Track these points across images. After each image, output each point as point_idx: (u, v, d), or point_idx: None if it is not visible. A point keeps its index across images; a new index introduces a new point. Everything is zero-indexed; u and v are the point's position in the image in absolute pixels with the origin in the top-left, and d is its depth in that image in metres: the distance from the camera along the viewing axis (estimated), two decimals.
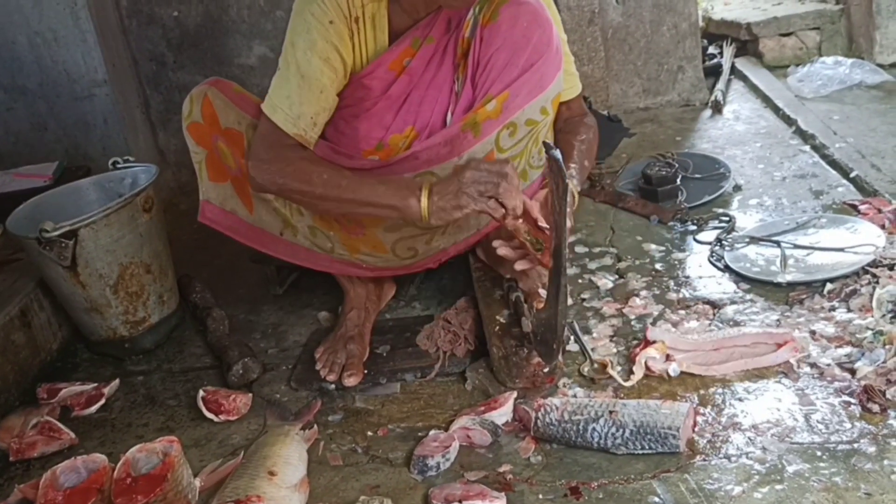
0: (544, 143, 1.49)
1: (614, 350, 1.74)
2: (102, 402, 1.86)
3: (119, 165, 2.23)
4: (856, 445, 1.37)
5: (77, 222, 1.90)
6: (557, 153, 1.45)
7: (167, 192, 3.04)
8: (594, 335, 1.80)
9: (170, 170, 3.20)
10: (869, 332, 1.63)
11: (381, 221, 1.80)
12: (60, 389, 1.88)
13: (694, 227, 2.22)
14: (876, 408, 1.44)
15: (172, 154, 3.25)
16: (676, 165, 2.49)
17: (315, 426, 1.64)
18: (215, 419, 1.72)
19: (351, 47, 1.73)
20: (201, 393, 1.76)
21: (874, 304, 1.70)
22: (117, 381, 1.93)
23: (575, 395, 1.61)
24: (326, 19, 1.68)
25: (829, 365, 1.58)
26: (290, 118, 1.69)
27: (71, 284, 1.96)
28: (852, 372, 1.54)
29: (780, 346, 1.62)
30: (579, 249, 2.19)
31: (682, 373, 1.62)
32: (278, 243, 1.91)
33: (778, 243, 2.01)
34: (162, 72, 3.19)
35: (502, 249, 1.68)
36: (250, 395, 1.78)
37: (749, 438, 1.43)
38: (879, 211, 2.08)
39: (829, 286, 1.81)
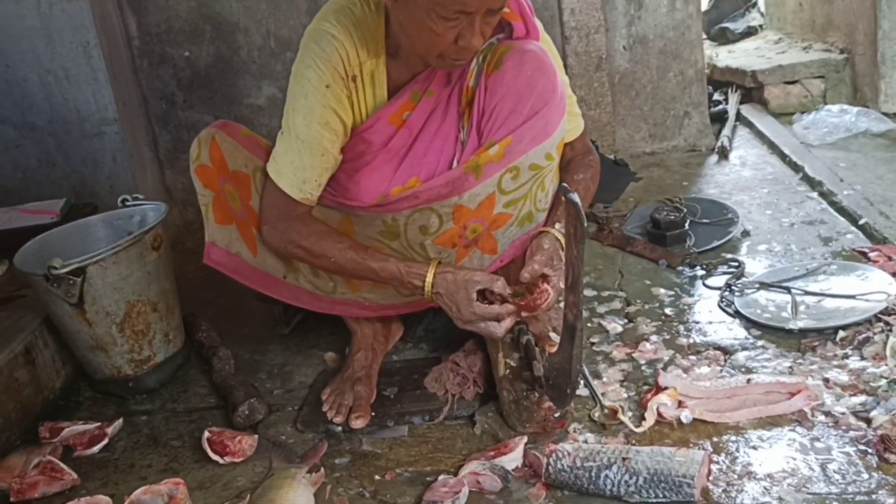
0: (561, 187, 1.49)
1: (625, 395, 1.72)
2: (105, 441, 1.83)
3: (128, 203, 2.23)
4: (874, 496, 1.34)
5: (86, 259, 1.89)
6: (575, 197, 1.45)
7: (173, 230, 3.04)
8: (604, 380, 1.78)
9: (176, 208, 3.20)
10: (884, 381, 1.62)
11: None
12: (63, 429, 1.86)
13: (703, 272, 2.21)
14: (893, 458, 1.42)
15: (179, 192, 3.25)
16: (685, 210, 2.49)
17: (322, 469, 1.61)
18: (220, 461, 1.69)
19: (350, 107, 1.74)
20: (206, 434, 1.73)
21: (888, 352, 1.69)
22: (121, 420, 1.90)
23: (586, 441, 1.58)
24: (323, 84, 1.69)
25: (843, 413, 1.56)
26: (295, 184, 1.73)
27: (77, 322, 1.95)
28: (868, 421, 1.52)
29: (793, 394, 1.60)
30: (588, 293, 2.18)
31: (694, 420, 1.60)
32: (281, 286, 1.92)
33: (788, 289, 2.00)
34: (171, 111, 3.21)
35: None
36: (256, 436, 1.75)
37: (765, 488, 1.40)
38: (889, 259, 2.08)
39: (841, 333, 1.80)
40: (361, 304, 1.91)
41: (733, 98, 3.61)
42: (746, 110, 3.52)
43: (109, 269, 1.92)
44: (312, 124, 1.70)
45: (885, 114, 3.19)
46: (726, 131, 3.31)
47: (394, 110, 1.77)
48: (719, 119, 3.47)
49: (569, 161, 1.89)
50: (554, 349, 1.67)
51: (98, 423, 1.88)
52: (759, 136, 3.27)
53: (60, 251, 1.97)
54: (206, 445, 1.71)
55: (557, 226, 1.74)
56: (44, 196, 2.79)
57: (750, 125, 3.40)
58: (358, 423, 1.73)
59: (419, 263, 1.72)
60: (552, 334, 1.81)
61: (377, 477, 1.59)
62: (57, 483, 1.68)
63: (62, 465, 1.71)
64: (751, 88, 3.63)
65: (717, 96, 3.70)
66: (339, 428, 1.75)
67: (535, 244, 1.73)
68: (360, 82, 1.74)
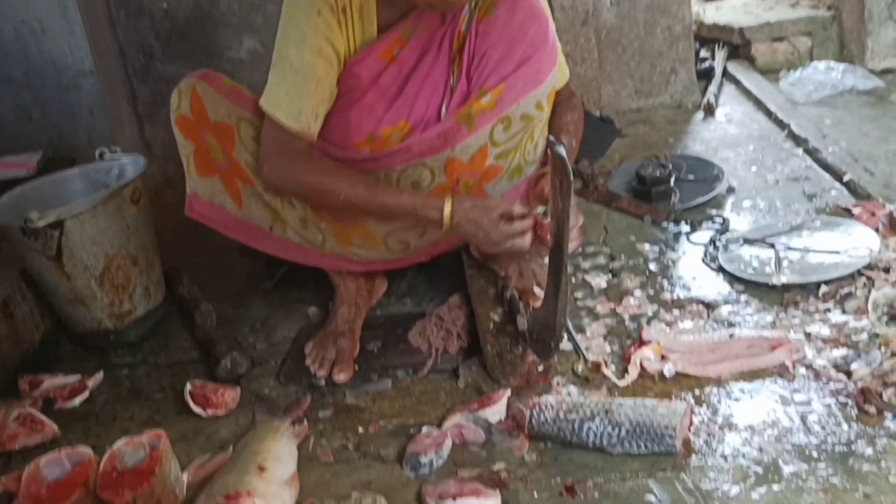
0: (549, 140, 1.47)
1: (608, 349, 1.73)
2: (86, 394, 1.82)
3: (106, 157, 2.19)
4: (853, 447, 1.36)
5: (64, 212, 1.86)
6: (562, 150, 1.43)
7: (153, 184, 2.98)
8: (588, 334, 1.78)
9: (156, 162, 3.14)
10: (865, 335, 1.63)
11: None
12: (43, 381, 1.84)
13: (688, 228, 2.21)
14: (872, 410, 1.43)
15: (159, 146, 3.20)
16: (670, 166, 2.48)
17: (305, 422, 1.61)
18: (203, 413, 1.68)
19: (343, 36, 1.71)
20: (189, 387, 1.72)
21: (870, 306, 1.70)
22: (101, 373, 1.89)
23: (569, 394, 1.59)
24: (314, 11, 1.66)
25: (824, 367, 1.57)
26: (291, 114, 1.68)
27: (55, 275, 1.92)
28: (848, 374, 1.53)
29: (775, 347, 1.61)
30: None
31: (676, 373, 1.61)
32: (268, 239, 1.89)
33: (772, 245, 2.00)
34: (150, 64, 3.14)
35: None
36: (238, 389, 1.75)
37: (745, 439, 1.41)
38: (873, 214, 2.08)
39: (823, 288, 1.81)
40: (350, 258, 1.89)
41: (720, 55, 3.57)
42: (733, 67, 3.49)
43: (87, 222, 1.89)
44: (305, 52, 1.66)
45: (872, 71, 3.17)
46: (713, 88, 3.28)
47: (384, 46, 1.74)
48: (706, 76, 3.43)
49: (554, 104, 1.86)
50: (538, 304, 1.67)
51: (79, 376, 1.87)
52: (746, 93, 3.25)
53: (37, 204, 1.93)
54: (188, 398, 1.70)
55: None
56: (20, 149, 2.72)
57: (736, 82, 3.37)
58: (341, 377, 1.72)
59: (433, 197, 1.69)
60: (536, 289, 1.80)
61: (360, 430, 1.59)
62: (37, 435, 1.67)
63: (42, 417, 1.70)
64: (738, 45, 3.59)
65: (703, 53, 3.66)
66: (322, 382, 1.74)
67: (545, 184, 1.72)
68: (349, 14, 1.70)
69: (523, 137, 1.74)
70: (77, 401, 1.80)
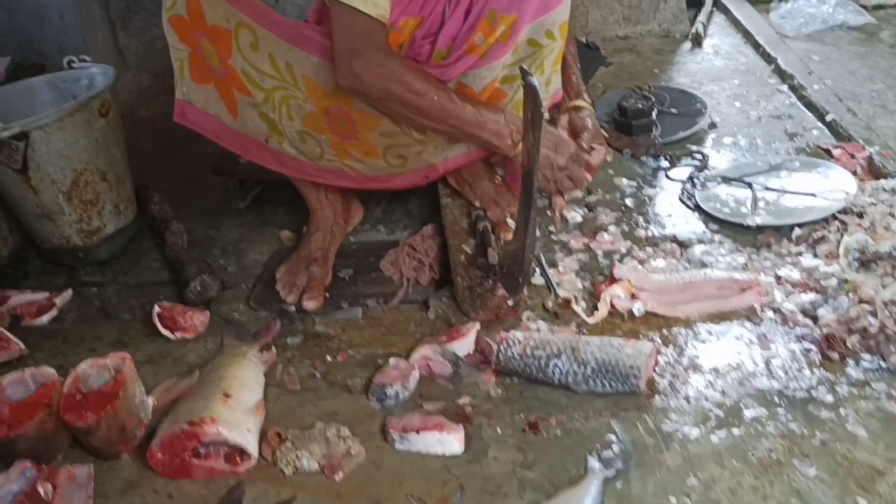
0: (521, 69, 1.43)
1: (580, 286, 1.73)
2: (54, 312, 1.81)
3: (75, 65, 2.12)
4: (813, 393, 1.38)
5: (28, 123, 1.81)
6: (534, 80, 1.40)
7: (126, 97, 2.91)
8: (560, 269, 1.78)
9: (130, 73, 3.06)
10: (834, 280, 1.63)
11: (374, 125, 1.73)
12: (10, 297, 1.83)
13: (667, 164, 2.19)
14: (836, 356, 1.45)
15: (133, 56, 3.10)
16: (653, 99, 2.44)
17: (273, 348, 1.61)
18: (171, 336, 1.68)
19: None
20: (157, 309, 1.71)
21: (841, 251, 1.69)
22: (70, 291, 1.87)
23: (538, 330, 1.59)
24: None
25: (792, 311, 1.58)
26: (369, 0, 1.58)
27: (22, 189, 1.88)
28: (815, 319, 1.55)
29: (745, 289, 1.61)
30: None
31: (646, 312, 1.61)
32: (262, 150, 1.81)
33: (749, 185, 1.99)
34: None
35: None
36: (208, 313, 1.74)
37: (709, 381, 1.43)
38: (852, 157, 2.07)
39: (797, 231, 1.81)
40: (346, 173, 1.82)
41: None
42: None
43: (54, 134, 1.83)
44: None
45: (864, 6, 3.12)
46: (702, 17, 3.22)
47: None
48: (696, 4, 3.36)
49: None
50: (510, 236, 1.66)
51: (47, 294, 1.85)
52: (735, 23, 3.18)
53: (2, 114, 1.88)
54: (156, 320, 1.69)
55: (585, 96, 1.88)
56: None
57: (726, 12, 3.30)
58: (310, 305, 1.72)
59: (516, 116, 1.66)
60: (509, 220, 1.79)
61: (329, 358, 1.59)
62: (3, 353, 1.66)
63: (9, 334, 1.69)
64: None
65: None
66: (293, 308, 1.73)
67: (579, 121, 1.86)
68: None
69: (532, 65, 1.69)
70: (45, 318, 1.79)
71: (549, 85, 1.77)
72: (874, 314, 1.48)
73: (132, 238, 2.07)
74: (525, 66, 1.53)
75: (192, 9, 1.67)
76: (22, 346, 1.68)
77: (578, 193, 1.91)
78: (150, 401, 1.46)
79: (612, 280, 1.69)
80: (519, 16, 1.62)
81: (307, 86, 1.69)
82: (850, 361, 1.44)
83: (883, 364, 1.42)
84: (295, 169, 1.82)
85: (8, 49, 2.68)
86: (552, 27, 1.67)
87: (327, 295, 1.75)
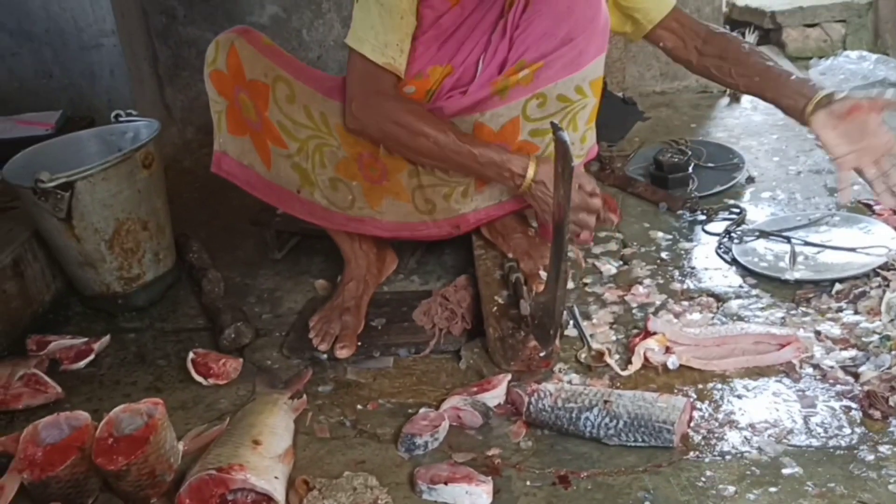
0: (552, 123, 1.44)
1: (613, 338, 1.71)
2: (92, 357, 1.83)
3: (122, 119, 2.19)
4: (855, 452, 1.34)
5: (74, 174, 1.86)
6: (565, 135, 1.41)
7: (171, 149, 2.99)
8: (594, 321, 1.76)
9: (175, 126, 3.15)
10: (876, 337, 1.60)
11: (403, 166, 1.78)
12: (50, 342, 1.86)
13: (703, 218, 2.17)
14: (877, 414, 1.41)
15: (178, 110, 3.20)
16: (689, 153, 2.43)
17: (304, 396, 1.61)
18: (204, 382, 1.69)
19: None
20: (191, 355, 1.73)
21: (883, 307, 1.66)
22: (108, 336, 1.90)
23: (570, 382, 1.57)
24: None
25: (832, 367, 1.54)
26: (377, 48, 1.68)
27: (66, 237, 1.93)
28: (856, 376, 1.51)
29: (783, 345, 1.58)
30: None
31: (680, 366, 1.59)
32: (294, 200, 1.85)
33: (788, 239, 1.96)
34: (172, 26, 3.13)
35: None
36: (241, 360, 1.75)
37: (745, 437, 1.40)
38: (894, 212, 2.03)
39: (837, 286, 1.77)
40: (376, 221, 1.85)
41: (750, 39, 3.49)
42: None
43: (98, 185, 1.89)
44: None
45: None
46: None
47: None
48: None
49: (702, 40, 1.89)
50: (542, 288, 1.65)
51: (85, 339, 1.88)
52: None
53: (51, 164, 1.93)
54: (190, 366, 1.70)
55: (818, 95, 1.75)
56: (40, 107, 2.74)
57: None
58: (342, 353, 1.72)
59: (520, 155, 1.67)
60: (542, 272, 1.78)
61: (359, 406, 1.59)
62: (41, 396, 1.68)
63: (46, 378, 1.71)
64: (769, 30, 3.52)
65: None
66: (325, 356, 1.74)
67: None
68: None
69: (563, 120, 1.71)
70: (82, 363, 1.82)
71: (583, 141, 1.77)
72: None
73: (170, 285, 2.10)
74: (556, 121, 1.54)
75: (231, 63, 1.74)
76: (59, 389, 1.70)
77: (587, 237, 1.75)
78: (181, 446, 1.46)
79: (647, 333, 1.66)
80: (545, 63, 1.65)
81: (340, 133, 1.76)
82: (893, 420, 1.39)
83: None
84: (325, 219, 1.86)
85: (60, 103, 2.79)
86: (582, 83, 1.69)
87: (359, 344, 1.76)
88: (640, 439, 1.39)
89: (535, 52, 1.67)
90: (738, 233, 2.04)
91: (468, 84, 1.73)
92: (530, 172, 1.65)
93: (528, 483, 1.35)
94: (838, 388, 1.49)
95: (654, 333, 1.65)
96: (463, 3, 1.73)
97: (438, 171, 1.76)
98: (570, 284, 1.87)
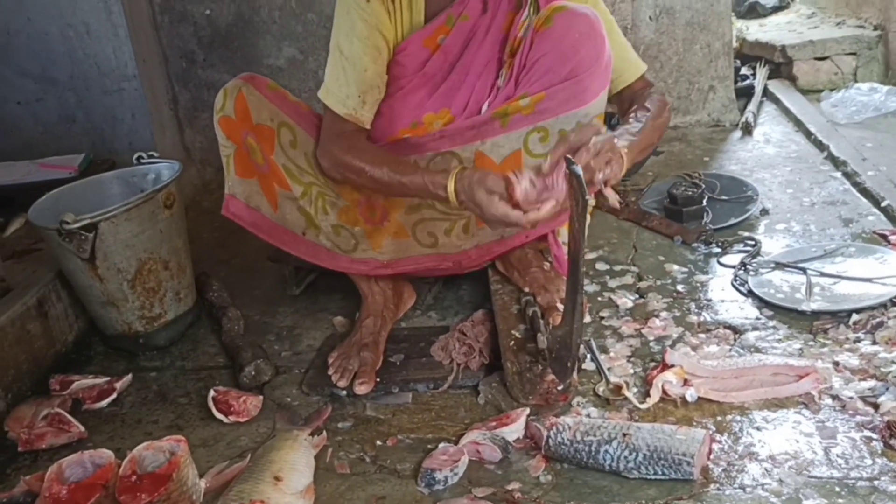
0: (566, 158, 1.46)
1: (631, 371, 1.71)
2: (114, 396, 1.85)
3: (143, 161, 2.24)
4: (876, 483, 1.33)
5: (98, 215, 1.90)
6: (578, 169, 1.43)
7: (191, 189, 3.05)
8: (611, 354, 1.77)
9: (195, 167, 3.21)
10: (894, 367, 1.59)
11: (401, 204, 1.85)
12: (73, 382, 1.88)
13: (718, 250, 2.18)
14: None
15: (198, 151, 3.26)
16: (703, 186, 2.45)
17: (324, 432, 1.63)
18: (225, 420, 1.71)
19: (392, 25, 1.78)
20: (212, 393, 1.75)
21: None
22: (130, 376, 1.92)
23: (589, 415, 1.58)
24: (364, 0, 1.73)
25: (851, 398, 1.54)
26: (339, 99, 1.76)
27: (89, 277, 1.96)
28: (875, 406, 1.50)
29: (801, 376, 1.58)
30: (600, 267, 2.16)
31: (699, 398, 1.59)
32: (300, 242, 1.90)
33: (804, 270, 1.97)
34: (191, 69, 3.20)
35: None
36: (261, 397, 1.77)
37: (765, 469, 1.39)
38: None
39: (854, 317, 1.77)
40: (379, 261, 1.89)
41: (761, 73, 3.53)
42: (774, 86, 3.45)
43: (121, 225, 1.92)
44: (354, 40, 1.74)
45: None
46: (752, 107, 3.25)
47: (428, 33, 1.79)
48: (746, 94, 3.40)
49: (631, 99, 1.85)
50: (559, 322, 1.66)
51: (107, 378, 1.91)
52: (786, 112, 3.20)
53: (75, 206, 1.97)
54: (211, 404, 1.72)
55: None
56: (63, 151, 2.81)
57: (777, 101, 3.33)
58: (362, 389, 1.73)
59: (442, 173, 1.67)
60: (559, 306, 1.79)
61: (378, 442, 1.60)
62: (64, 435, 1.70)
63: (70, 417, 1.73)
64: (780, 63, 3.55)
65: (744, 70, 3.63)
66: (344, 392, 1.75)
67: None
68: (398, 3, 1.77)
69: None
70: (105, 402, 1.84)
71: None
72: None
73: (191, 324, 2.13)
74: (568, 158, 1.55)
75: (239, 108, 1.81)
76: (82, 428, 1.72)
77: (523, 222, 1.56)
78: (203, 483, 1.47)
79: (664, 366, 1.67)
80: (547, 95, 1.69)
81: (334, 183, 1.84)
82: None
83: None
84: (329, 261, 1.90)
85: (83, 146, 2.85)
86: (584, 119, 1.71)
87: (378, 380, 1.77)
88: (659, 472, 1.39)
89: (538, 86, 1.71)
90: (754, 265, 2.05)
91: None
92: (450, 186, 1.62)
93: None
94: (858, 418, 1.48)
95: (672, 366, 1.65)
96: (444, 48, 1.79)
97: (438, 205, 1.82)
98: (587, 318, 1.88)
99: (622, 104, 1.88)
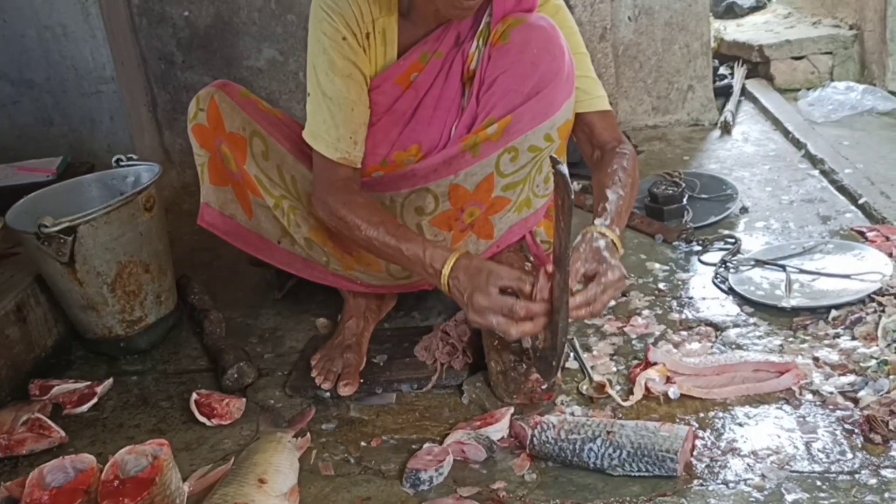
0: (551, 157, 1.46)
1: (614, 369, 1.72)
2: (95, 400, 1.84)
3: (122, 163, 2.22)
4: (857, 476, 1.35)
5: (77, 219, 1.88)
6: (564, 168, 1.43)
7: (171, 192, 3.03)
8: (594, 353, 1.78)
9: (174, 169, 3.18)
10: (873, 362, 1.61)
11: None
12: (53, 386, 1.86)
13: (699, 248, 2.20)
14: (878, 438, 1.42)
15: (177, 154, 3.24)
16: (683, 185, 2.47)
17: (308, 434, 1.62)
18: (208, 423, 1.70)
19: (367, 60, 1.71)
20: (194, 396, 1.73)
21: (879, 332, 1.68)
22: (111, 380, 1.91)
23: (573, 414, 1.58)
24: (339, 36, 1.65)
25: (831, 393, 1.55)
26: (330, 143, 1.66)
27: (68, 281, 1.94)
28: (855, 401, 1.52)
29: (782, 372, 1.60)
30: None
31: (682, 395, 1.60)
32: (275, 251, 1.90)
33: (783, 267, 1.99)
34: (170, 71, 3.18)
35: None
36: (244, 399, 1.76)
37: (748, 465, 1.40)
38: (887, 239, 2.06)
39: (833, 313, 1.79)
40: (353, 280, 1.89)
41: (739, 72, 3.56)
42: (752, 85, 3.48)
43: (101, 228, 1.91)
44: (336, 78, 1.65)
45: (892, 92, 3.15)
46: (730, 106, 3.27)
47: (402, 71, 1.73)
48: (724, 94, 3.43)
49: (601, 151, 1.74)
50: None
51: (88, 382, 1.89)
52: (764, 111, 3.23)
53: (53, 209, 1.95)
54: (193, 407, 1.71)
55: (602, 221, 1.55)
56: (41, 154, 2.78)
57: (754, 100, 3.36)
58: (345, 391, 1.73)
59: (442, 248, 1.58)
60: None
61: (363, 443, 1.59)
62: (45, 440, 1.68)
63: (50, 422, 1.72)
64: (757, 63, 3.59)
65: (722, 70, 3.66)
66: (328, 394, 1.75)
67: (593, 246, 1.52)
68: (372, 39, 1.69)
69: (532, 170, 1.73)
70: (85, 407, 1.82)
71: (547, 182, 1.77)
72: None
73: (172, 327, 2.11)
74: (553, 157, 1.55)
75: (212, 116, 1.79)
76: (63, 434, 1.70)
77: (511, 333, 1.47)
78: (186, 487, 1.46)
79: (647, 364, 1.68)
80: (514, 118, 1.65)
81: (307, 202, 1.79)
82: (894, 444, 1.40)
83: None
84: (305, 270, 1.90)
85: (61, 149, 2.82)
86: (551, 130, 1.68)
87: (362, 381, 1.76)
88: (643, 469, 1.40)
89: (502, 109, 1.66)
90: (734, 262, 2.07)
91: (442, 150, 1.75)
92: (446, 270, 1.52)
93: None
94: (838, 413, 1.50)
95: (655, 364, 1.66)
96: (416, 85, 1.73)
97: None
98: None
99: (591, 149, 1.76)
